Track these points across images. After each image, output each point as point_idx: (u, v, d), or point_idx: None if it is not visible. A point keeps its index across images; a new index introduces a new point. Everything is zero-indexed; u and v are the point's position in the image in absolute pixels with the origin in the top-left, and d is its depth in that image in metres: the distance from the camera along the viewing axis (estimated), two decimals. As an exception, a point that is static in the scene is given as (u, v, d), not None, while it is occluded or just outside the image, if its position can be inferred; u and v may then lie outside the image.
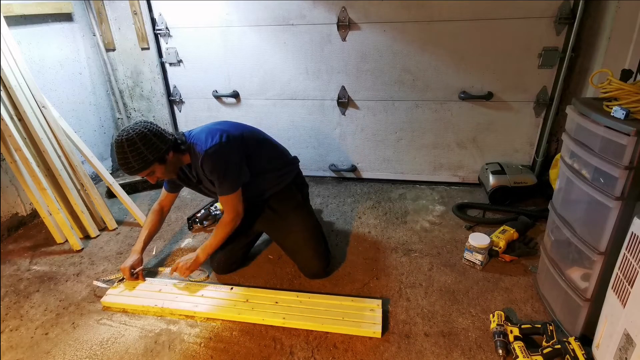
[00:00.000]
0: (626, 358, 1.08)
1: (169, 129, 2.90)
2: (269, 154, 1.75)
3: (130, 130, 1.42)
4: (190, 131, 1.63)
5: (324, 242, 1.81)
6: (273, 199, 1.78)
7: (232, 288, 1.69)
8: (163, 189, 1.81)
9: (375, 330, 1.44)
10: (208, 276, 1.79)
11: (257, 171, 1.67)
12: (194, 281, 1.75)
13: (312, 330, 1.47)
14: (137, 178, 2.68)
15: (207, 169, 1.53)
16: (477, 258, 1.77)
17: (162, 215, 1.84)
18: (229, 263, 1.80)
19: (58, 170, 2.01)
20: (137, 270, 1.74)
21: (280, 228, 1.79)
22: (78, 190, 2.12)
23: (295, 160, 1.88)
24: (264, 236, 1.99)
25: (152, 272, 1.86)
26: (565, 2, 2.05)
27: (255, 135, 1.74)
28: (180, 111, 2.85)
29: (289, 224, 1.76)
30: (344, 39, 2.37)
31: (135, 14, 2.56)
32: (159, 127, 1.50)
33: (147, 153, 1.42)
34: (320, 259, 1.74)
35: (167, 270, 1.81)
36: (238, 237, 1.80)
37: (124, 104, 2.90)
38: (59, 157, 2.04)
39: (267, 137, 1.80)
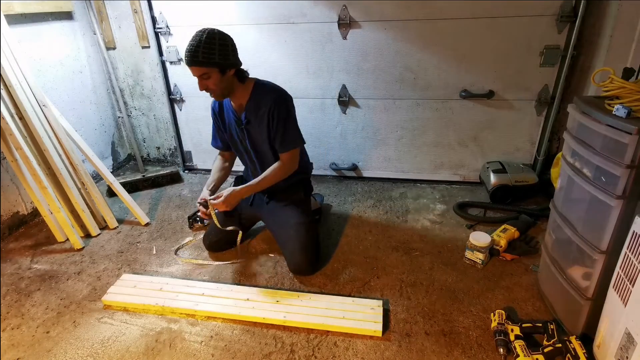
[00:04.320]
0: (627, 357, 1.08)
1: (170, 127, 2.90)
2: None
3: (217, 30, 1.51)
4: None
5: (315, 240, 1.83)
6: (280, 192, 1.85)
7: (232, 288, 1.69)
8: (217, 151, 1.98)
9: (376, 329, 1.44)
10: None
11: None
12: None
13: (312, 329, 1.48)
14: (138, 177, 2.69)
15: (279, 106, 1.65)
16: (478, 257, 1.77)
17: (229, 160, 1.96)
18: (219, 244, 1.96)
19: (59, 168, 2.01)
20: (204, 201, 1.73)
21: (277, 218, 1.85)
22: (79, 189, 2.13)
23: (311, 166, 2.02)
24: (265, 235, 1.98)
25: (151, 271, 1.86)
26: (566, 1, 2.04)
27: None
28: (180, 110, 2.84)
29: (285, 216, 1.82)
30: (344, 37, 2.36)
31: (136, 12, 2.56)
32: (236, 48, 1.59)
33: (216, 53, 1.48)
34: (306, 255, 1.75)
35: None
36: (233, 221, 1.90)
37: (125, 103, 2.90)
38: (60, 155, 2.04)
39: None
